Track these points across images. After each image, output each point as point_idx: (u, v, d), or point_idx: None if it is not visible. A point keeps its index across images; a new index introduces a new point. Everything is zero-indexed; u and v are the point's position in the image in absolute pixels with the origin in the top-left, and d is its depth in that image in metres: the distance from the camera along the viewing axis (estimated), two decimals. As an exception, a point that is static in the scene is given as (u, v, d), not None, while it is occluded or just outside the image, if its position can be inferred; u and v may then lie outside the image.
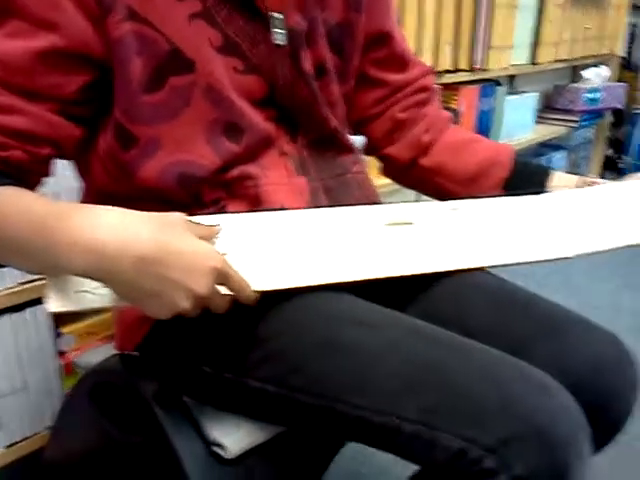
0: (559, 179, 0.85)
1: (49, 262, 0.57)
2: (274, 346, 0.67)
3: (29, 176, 0.65)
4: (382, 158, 0.93)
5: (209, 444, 0.72)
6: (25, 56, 0.60)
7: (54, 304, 0.61)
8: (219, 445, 0.72)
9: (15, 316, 1.01)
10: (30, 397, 1.07)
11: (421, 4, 1.64)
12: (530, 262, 0.73)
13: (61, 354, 1.10)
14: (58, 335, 1.10)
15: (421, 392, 0.59)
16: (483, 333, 0.68)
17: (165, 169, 0.69)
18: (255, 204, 0.72)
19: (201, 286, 0.57)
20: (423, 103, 0.89)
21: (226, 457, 0.71)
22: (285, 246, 0.68)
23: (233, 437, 0.72)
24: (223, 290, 0.61)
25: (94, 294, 0.60)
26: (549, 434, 0.55)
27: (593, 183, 0.82)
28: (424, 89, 0.89)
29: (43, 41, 0.60)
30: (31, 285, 1.01)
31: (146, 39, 0.64)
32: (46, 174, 0.68)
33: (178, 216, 0.60)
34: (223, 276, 0.59)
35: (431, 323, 0.67)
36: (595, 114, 2.71)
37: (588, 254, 0.73)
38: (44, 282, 0.85)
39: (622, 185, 0.81)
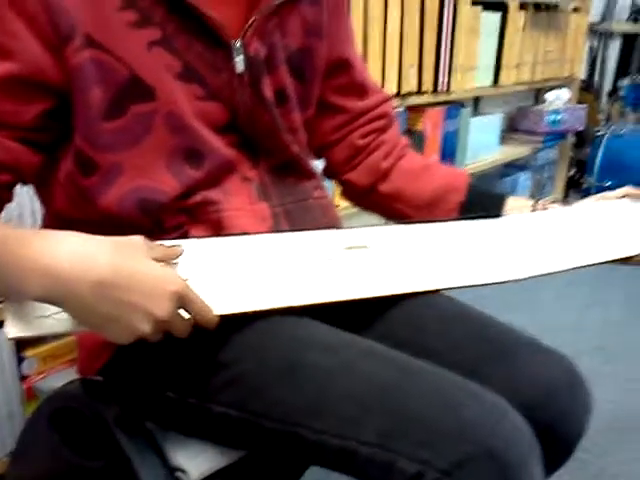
0: (514, 203, 0.87)
1: (10, 286, 0.57)
2: (236, 371, 0.68)
3: None
4: (342, 183, 0.95)
5: (172, 469, 0.72)
6: None
7: (13, 330, 0.60)
8: (182, 470, 0.72)
9: (-25, 340, 1.00)
10: (-10, 423, 1.06)
11: (385, 28, 1.68)
12: (483, 284, 0.75)
13: (23, 378, 1.09)
14: (20, 359, 1.08)
15: (377, 415, 0.60)
16: (437, 355, 0.70)
17: (126, 196, 0.69)
18: (217, 229, 0.72)
19: (162, 310, 0.57)
20: (382, 130, 0.90)
21: (188, 482, 0.71)
22: (246, 270, 0.68)
23: (195, 462, 0.72)
24: (184, 314, 0.61)
25: (54, 319, 0.60)
26: (502, 457, 0.57)
27: (546, 207, 0.85)
28: (383, 116, 0.91)
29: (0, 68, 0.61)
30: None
31: (105, 67, 0.64)
32: (7, 200, 0.68)
33: (138, 239, 0.60)
34: (184, 300, 0.59)
35: (387, 345, 0.68)
36: (558, 135, 2.78)
37: (540, 276, 0.76)
38: (2, 306, 0.83)
39: (573, 209, 0.83)
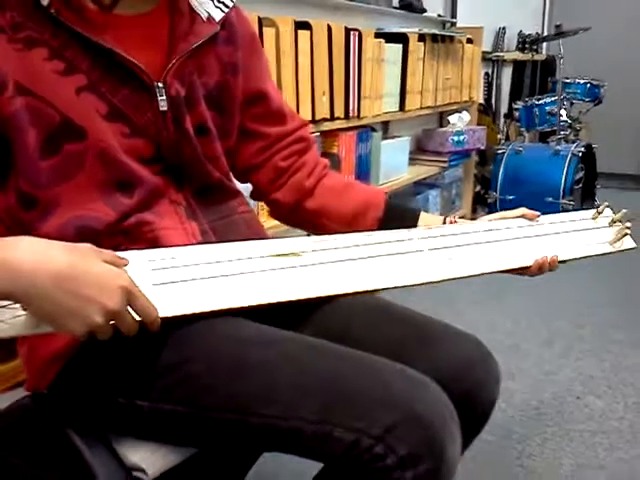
0: (426, 219, 0.97)
1: None
2: (185, 370, 0.74)
3: None
4: (269, 203, 1.02)
5: (129, 469, 0.77)
6: None
7: None
8: (139, 469, 0.76)
9: None
10: None
11: (297, 60, 1.79)
12: (403, 286, 0.83)
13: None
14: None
15: (317, 397, 0.69)
16: (367, 344, 0.79)
17: (64, 225, 0.75)
18: (153, 246, 0.78)
19: (113, 302, 0.62)
20: (302, 151, 0.98)
21: (146, 480, 0.76)
22: (184, 277, 0.74)
23: (151, 460, 0.77)
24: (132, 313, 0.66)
25: (7, 324, 0.63)
26: (425, 420, 0.66)
27: (454, 222, 0.96)
28: (301, 139, 0.99)
29: None
30: None
31: (38, 112, 0.71)
32: None
33: (88, 245, 0.66)
34: (131, 295, 0.64)
35: (321, 339, 0.77)
36: (462, 155, 3.00)
37: (451, 279, 0.86)
38: None
39: (475, 224, 0.95)
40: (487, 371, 0.84)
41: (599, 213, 1.03)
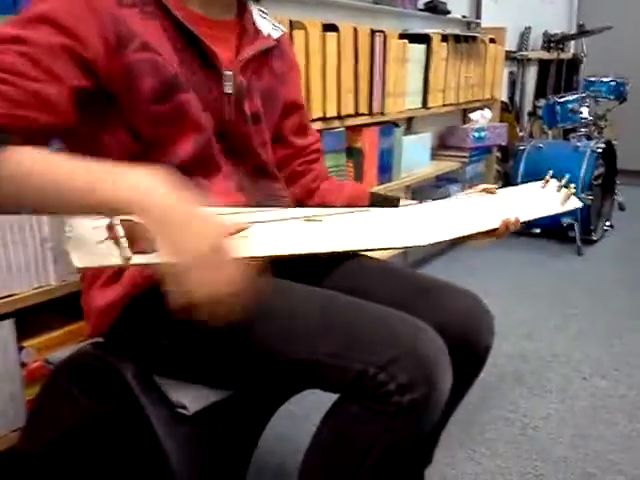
0: (404, 202, 1.16)
1: (104, 200, 0.69)
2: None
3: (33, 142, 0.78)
4: None
5: (173, 406, 0.91)
6: (55, 47, 0.78)
7: (80, 260, 0.71)
8: (181, 406, 0.90)
9: (-14, 330, 1.16)
10: (-3, 403, 1.21)
11: (324, 60, 1.93)
12: (403, 247, 1.00)
13: (22, 365, 1.25)
14: (20, 349, 1.25)
15: (333, 335, 0.84)
16: (376, 297, 0.93)
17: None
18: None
19: (219, 228, 0.71)
20: (314, 161, 1.18)
21: (187, 415, 0.89)
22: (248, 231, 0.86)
23: (192, 398, 0.91)
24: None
25: (115, 245, 0.71)
26: (422, 356, 0.80)
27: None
28: (315, 151, 1.19)
29: (66, 40, 0.79)
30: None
31: (157, 64, 0.86)
32: (44, 144, 0.82)
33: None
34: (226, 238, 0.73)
35: (340, 292, 0.92)
36: (483, 150, 3.10)
37: (435, 243, 1.00)
38: (11, 299, 1.01)
39: (449, 201, 1.12)
40: (481, 320, 1.00)
41: (547, 182, 1.24)
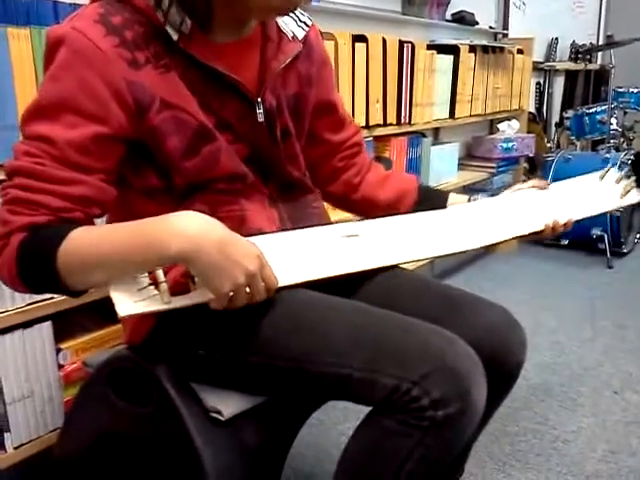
0: (453, 198, 1.15)
1: (152, 251, 0.75)
2: (256, 328, 0.88)
3: None
4: (324, 192, 1.18)
5: (208, 411, 0.92)
6: (83, 140, 0.80)
7: (123, 310, 0.75)
8: (216, 411, 0.92)
9: (25, 332, 1.19)
10: (35, 404, 1.24)
11: (353, 70, 1.95)
12: (446, 254, 0.98)
13: (60, 367, 1.28)
14: (57, 351, 1.27)
15: (365, 349, 0.83)
16: (408, 311, 0.92)
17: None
18: (239, 224, 0.92)
19: (253, 265, 0.77)
20: (355, 154, 1.17)
21: (222, 420, 0.91)
22: (284, 254, 0.90)
23: (226, 404, 0.92)
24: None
25: (151, 290, 0.77)
26: (455, 370, 0.80)
27: (476, 200, 1.12)
28: (356, 144, 1.17)
29: (95, 130, 0.81)
30: (38, 305, 1.19)
31: (179, 119, 0.86)
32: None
33: None
34: (262, 263, 0.79)
35: (371, 305, 0.91)
36: (510, 161, 3.08)
37: (483, 247, 1.00)
38: (49, 302, 1.04)
39: (498, 199, 1.10)
40: (513, 335, 0.98)
41: (606, 172, 1.18)
